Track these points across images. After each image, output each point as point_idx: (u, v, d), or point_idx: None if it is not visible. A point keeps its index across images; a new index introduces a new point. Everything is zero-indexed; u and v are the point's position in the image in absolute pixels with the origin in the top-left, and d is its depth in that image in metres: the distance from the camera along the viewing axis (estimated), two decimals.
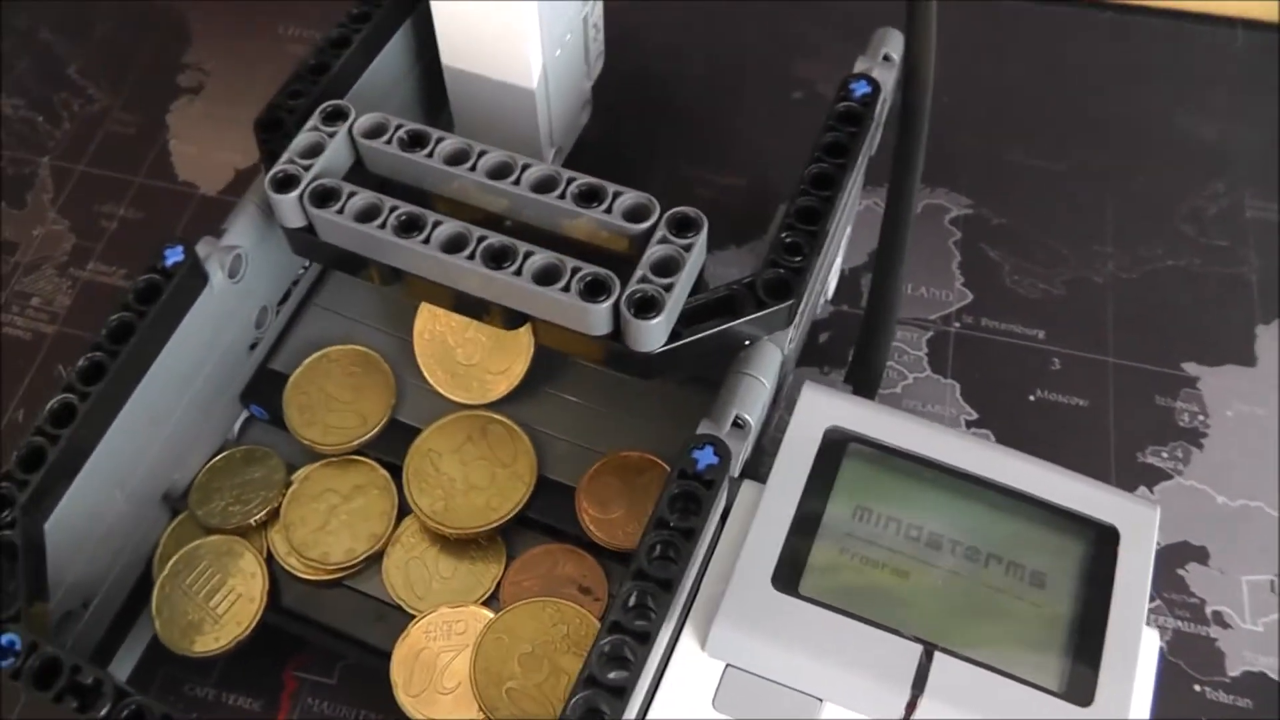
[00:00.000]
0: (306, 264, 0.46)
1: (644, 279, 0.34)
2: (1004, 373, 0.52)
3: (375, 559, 0.41)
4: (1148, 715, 0.35)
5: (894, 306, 0.44)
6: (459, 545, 0.41)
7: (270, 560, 0.42)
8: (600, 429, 0.42)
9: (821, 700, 0.34)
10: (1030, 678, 0.34)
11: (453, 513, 0.41)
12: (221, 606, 0.41)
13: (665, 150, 0.58)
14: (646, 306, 0.33)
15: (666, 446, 0.41)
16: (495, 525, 0.40)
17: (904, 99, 0.41)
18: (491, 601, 0.40)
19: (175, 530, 0.43)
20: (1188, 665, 0.45)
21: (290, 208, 0.38)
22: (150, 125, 0.63)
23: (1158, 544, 0.46)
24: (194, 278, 0.39)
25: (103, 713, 0.30)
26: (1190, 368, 0.53)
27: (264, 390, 0.44)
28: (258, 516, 0.42)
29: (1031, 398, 0.51)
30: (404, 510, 0.42)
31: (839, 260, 0.48)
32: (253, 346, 0.44)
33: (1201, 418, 0.51)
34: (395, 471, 0.42)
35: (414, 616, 0.39)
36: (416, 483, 0.41)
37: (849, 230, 0.47)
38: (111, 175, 0.61)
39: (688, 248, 0.34)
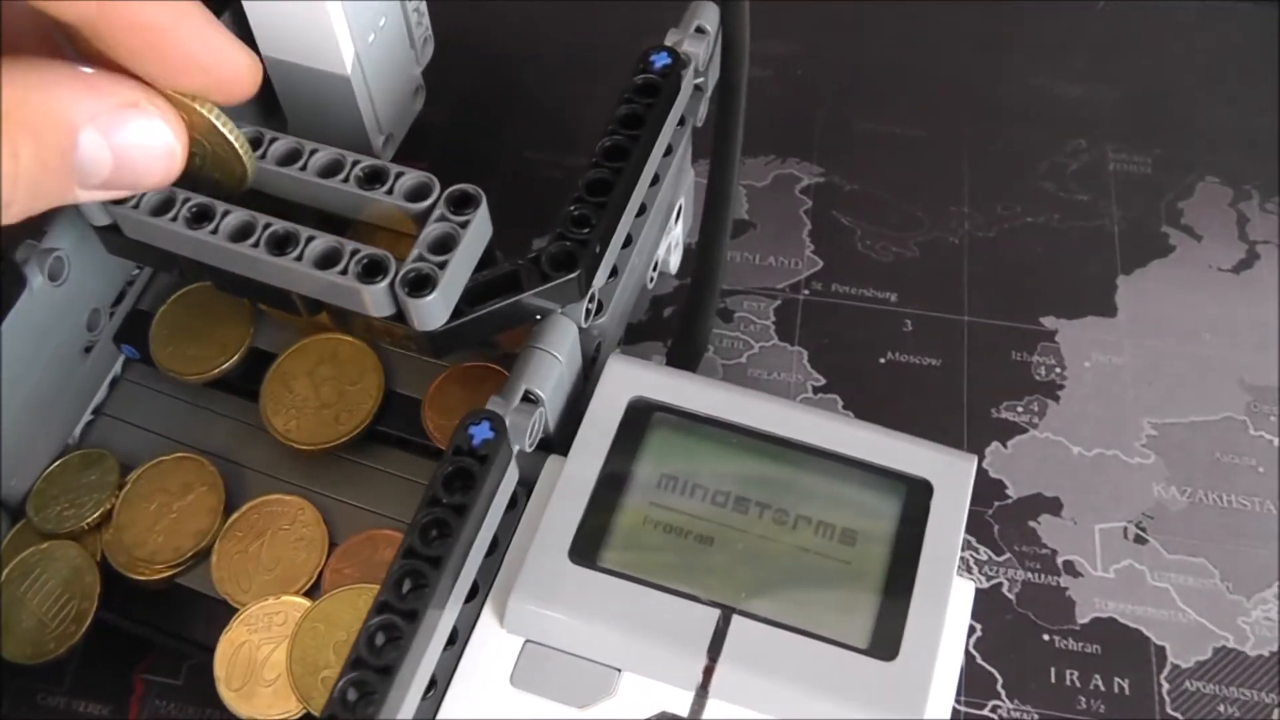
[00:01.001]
0: (138, 266, 0.46)
1: (419, 258, 0.34)
2: (854, 337, 0.52)
3: (204, 555, 0.41)
4: (958, 667, 0.35)
5: (716, 277, 0.44)
6: (281, 537, 0.40)
7: (104, 563, 0.41)
8: None
9: (620, 670, 0.34)
10: (835, 636, 0.34)
11: (304, 429, 0.42)
12: (56, 612, 0.40)
13: (513, 136, 0.58)
14: (420, 284, 0.33)
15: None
16: (345, 439, 0.42)
17: (722, 69, 0.41)
18: (314, 591, 0.40)
19: (14, 538, 0.42)
20: (1037, 616, 0.45)
21: (93, 206, 0.38)
22: None
23: (1010, 498, 0.47)
24: (10, 281, 0.39)
25: None
26: (1048, 322, 0.53)
27: (135, 331, 0.45)
28: (90, 519, 0.42)
29: (882, 360, 0.51)
30: (231, 505, 0.42)
31: (679, 232, 0.48)
32: (88, 349, 0.44)
33: (1058, 370, 0.51)
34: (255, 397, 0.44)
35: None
36: (271, 404, 0.43)
37: (684, 204, 0.47)
38: None
39: (464, 224, 0.34)
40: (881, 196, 0.56)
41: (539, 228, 0.34)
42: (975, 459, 0.37)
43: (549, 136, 0.58)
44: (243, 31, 0.45)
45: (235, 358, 0.44)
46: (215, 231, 0.36)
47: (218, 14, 0.44)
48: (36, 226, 0.42)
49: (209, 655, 0.41)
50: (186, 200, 0.37)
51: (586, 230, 0.36)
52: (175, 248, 0.37)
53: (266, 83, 0.45)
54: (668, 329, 0.51)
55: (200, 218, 0.37)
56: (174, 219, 0.37)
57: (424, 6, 0.47)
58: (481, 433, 0.32)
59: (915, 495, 0.37)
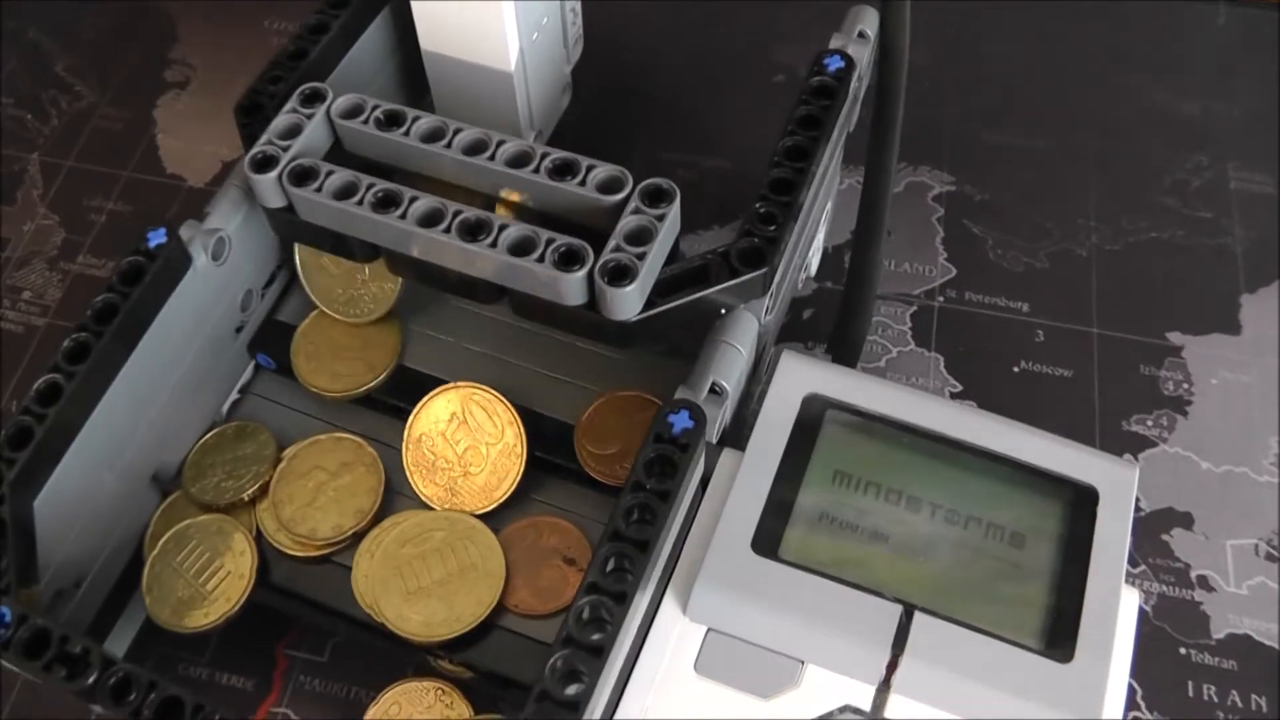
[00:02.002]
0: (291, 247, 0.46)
1: (617, 248, 0.34)
2: (988, 345, 0.52)
3: (362, 535, 0.41)
4: (1127, 671, 0.35)
5: (873, 277, 0.44)
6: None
7: (259, 538, 0.42)
8: (598, 370, 0.43)
9: (803, 662, 0.34)
10: (1010, 636, 0.34)
11: (459, 496, 0.42)
12: (211, 583, 0.41)
13: (646, 135, 0.59)
14: (620, 274, 0.34)
15: (660, 387, 0.42)
16: (498, 504, 0.41)
17: (879, 74, 0.41)
18: None
19: (165, 511, 0.43)
20: (1173, 629, 0.45)
21: (269, 188, 0.39)
22: (137, 120, 0.63)
23: (1142, 510, 0.47)
24: (177, 260, 0.40)
25: (90, 681, 0.31)
26: (1175, 337, 0.53)
27: (271, 340, 0.45)
28: (250, 491, 0.42)
29: (1016, 369, 0.51)
30: (390, 487, 0.42)
31: (820, 237, 0.48)
32: (238, 330, 0.45)
33: (1186, 386, 0.51)
34: (403, 415, 0.43)
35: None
36: (418, 472, 0.42)
37: (829, 207, 0.48)
38: (99, 170, 0.62)
39: (660, 218, 0.34)
40: (1011, 207, 0.56)
41: (681, 230, 0.35)
42: (1137, 467, 0.38)
43: (683, 137, 0.58)
44: (402, 27, 0.46)
45: (382, 376, 0.44)
46: (404, 217, 0.36)
47: (382, 4, 0.44)
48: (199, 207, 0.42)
49: (359, 633, 0.41)
50: (371, 185, 0.37)
51: (773, 228, 0.36)
52: (357, 232, 0.38)
53: (419, 74, 0.45)
54: (806, 330, 0.52)
55: (386, 203, 0.37)
56: (359, 203, 0.37)
57: (579, 6, 0.48)
58: (681, 421, 0.33)
59: (1081, 501, 0.37)
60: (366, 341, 0.44)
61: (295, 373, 0.44)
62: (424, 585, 0.40)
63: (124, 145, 0.62)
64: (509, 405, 0.42)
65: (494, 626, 0.39)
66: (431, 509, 0.41)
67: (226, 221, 0.42)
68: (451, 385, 0.42)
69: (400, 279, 0.44)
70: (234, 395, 0.46)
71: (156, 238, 0.39)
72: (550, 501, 0.42)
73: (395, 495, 0.42)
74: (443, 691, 0.41)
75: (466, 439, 0.42)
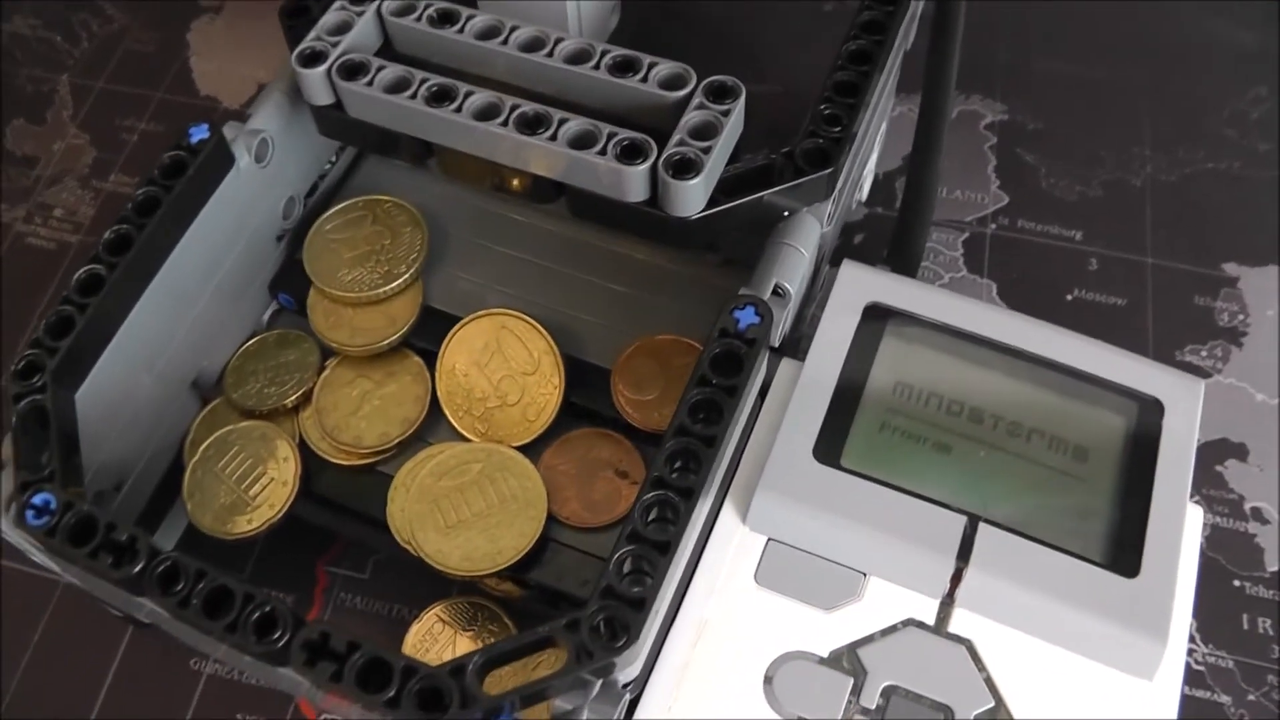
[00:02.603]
0: (334, 157, 0.45)
1: (682, 143, 0.33)
2: (1041, 273, 0.51)
3: (408, 444, 0.40)
4: (1192, 588, 0.34)
5: (931, 193, 0.43)
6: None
7: (303, 446, 0.41)
8: (634, 312, 0.41)
9: (865, 574, 0.33)
10: (1075, 549, 0.33)
11: (498, 429, 0.40)
12: (254, 490, 0.40)
13: (696, 59, 0.57)
14: (685, 168, 0.33)
15: (700, 331, 0.40)
16: (537, 435, 0.40)
17: None
18: None
19: (206, 418, 0.42)
20: (1227, 561, 0.45)
21: (318, 83, 0.38)
22: (170, 43, 0.62)
23: (1198, 440, 0.46)
24: (220, 157, 0.39)
25: (137, 569, 0.30)
26: (1230, 268, 0.52)
27: (293, 280, 0.43)
28: (293, 398, 0.41)
29: (1069, 297, 0.50)
30: (435, 398, 0.41)
31: (873, 161, 0.47)
32: (280, 238, 0.44)
33: (1241, 317, 0.50)
34: (431, 358, 0.41)
35: None
36: (452, 408, 0.40)
37: (883, 130, 0.46)
38: (132, 91, 0.61)
39: (725, 113, 0.33)
40: (1064, 135, 0.55)
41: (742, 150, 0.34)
42: (1203, 382, 0.37)
43: (731, 63, 0.57)
44: None
45: (404, 330, 0.41)
46: (459, 110, 0.35)
47: None
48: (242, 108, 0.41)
49: (396, 551, 0.40)
50: (425, 79, 0.36)
51: (838, 129, 0.35)
52: (410, 128, 0.37)
53: None
54: (858, 254, 0.51)
55: (441, 97, 0.36)
56: (412, 96, 0.36)
57: None
58: (747, 317, 0.32)
59: (1146, 414, 0.36)
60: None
61: (313, 328, 0.42)
62: (463, 519, 0.38)
63: (156, 67, 0.62)
64: (544, 333, 0.41)
65: (547, 539, 0.38)
66: (468, 440, 0.40)
67: (269, 123, 0.41)
68: (485, 312, 0.41)
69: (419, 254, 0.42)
70: (274, 305, 0.45)
71: (199, 133, 0.38)
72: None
73: (440, 409, 0.41)
74: (488, 610, 0.40)
75: (502, 368, 0.41)
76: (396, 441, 0.40)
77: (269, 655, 0.30)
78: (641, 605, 0.28)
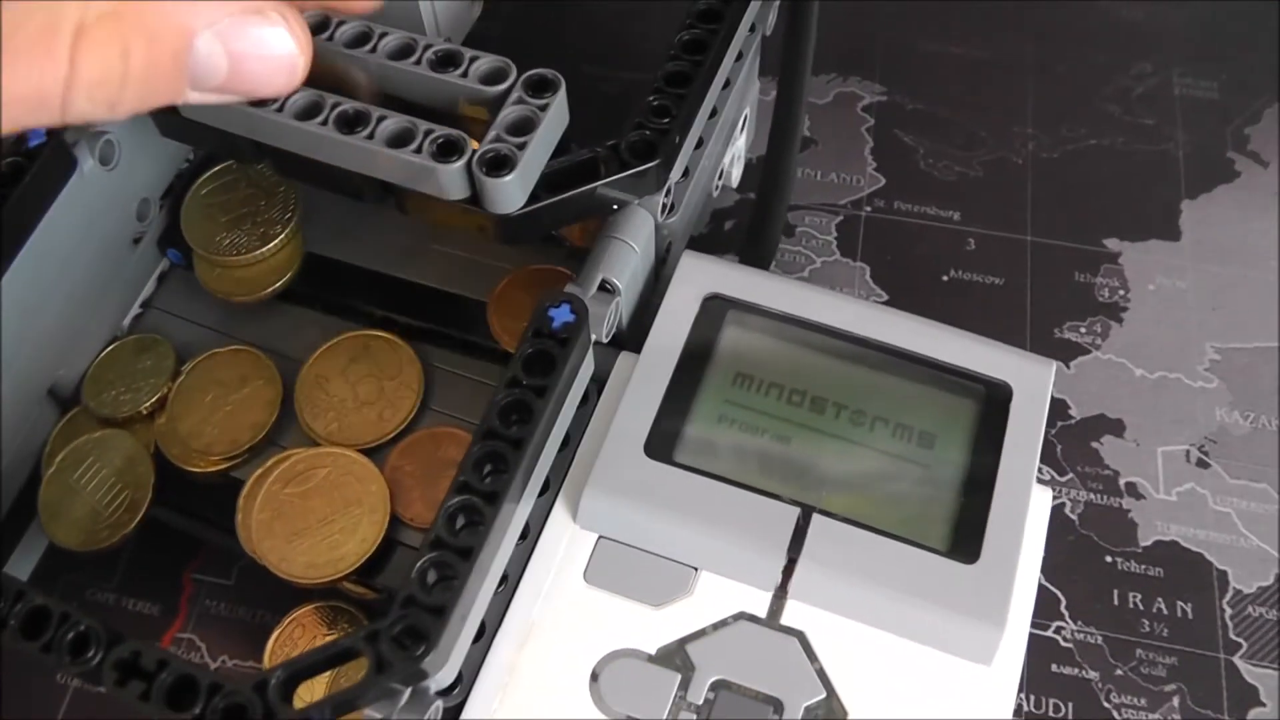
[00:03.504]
0: (190, 155, 0.45)
1: (498, 139, 0.33)
2: (917, 254, 0.51)
3: (259, 450, 0.40)
4: (1037, 571, 0.34)
5: (786, 182, 0.43)
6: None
7: (159, 455, 0.41)
8: (514, 250, 0.42)
9: (697, 569, 0.33)
10: (915, 537, 0.33)
11: (346, 430, 0.40)
12: (110, 501, 0.40)
13: (569, 48, 0.57)
14: (499, 164, 0.32)
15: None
16: (390, 436, 0.40)
17: None
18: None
19: (64, 428, 0.42)
20: (1099, 537, 0.44)
21: None
22: None
23: (1073, 418, 0.46)
24: (60, 161, 0.38)
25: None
26: (1112, 244, 0.52)
27: (180, 236, 0.43)
28: (148, 403, 0.41)
29: (945, 278, 0.50)
30: (288, 399, 0.41)
31: (741, 144, 0.47)
32: (137, 241, 0.43)
33: (1122, 292, 0.50)
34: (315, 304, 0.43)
35: None
36: (308, 409, 0.40)
37: (749, 115, 0.46)
38: None
39: (543, 107, 0.33)
40: (944, 116, 0.55)
41: (598, 142, 0.34)
42: (1054, 364, 0.36)
43: (605, 51, 0.56)
44: None
45: (289, 275, 0.42)
46: (280, 110, 0.35)
47: None
48: None
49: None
50: None
51: (666, 120, 0.35)
52: (236, 128, 0.36)
53: None
54: (729, 241, 0.50)
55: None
56: None
57: None
58: (562, 315, 0.31)
59: (994, 398, 0.36)
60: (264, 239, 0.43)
61: (199, 279, 0.43)
62: (307, 525, 0.38)
63: None
64: (407, 346, 0.41)
65: (394, 543, 0.38)
66: (317, 444, 0.40)
67: (114, 124, 0.40)
68: (350, 334, 0.42)
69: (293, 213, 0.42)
70: (135, 309, 0.44)
71: (36, 138, 0.37)
72: (451, 412, 0.41)
73: (292, 411, 0.41)
74: (347, 614, 0.40)
75: (365, 370, 0.41)
76: (247, 447, 0.40)
77: (84, 674, 0.29)
78: (442, 612, 0.27)
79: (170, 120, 0.38)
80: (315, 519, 0.38)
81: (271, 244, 0.42)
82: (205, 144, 0.38)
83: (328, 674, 0.30)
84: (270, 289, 0.42)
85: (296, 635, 0.40)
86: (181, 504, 0.41)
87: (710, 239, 0.50)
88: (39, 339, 0.40)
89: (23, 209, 0.37)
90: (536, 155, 0.33)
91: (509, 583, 0.32)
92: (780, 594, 0.33)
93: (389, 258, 0.43)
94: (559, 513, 0.34)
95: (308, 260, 0.43)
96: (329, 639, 0.38)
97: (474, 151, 0.32)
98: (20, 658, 0.41)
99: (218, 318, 0.44)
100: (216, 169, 0.44)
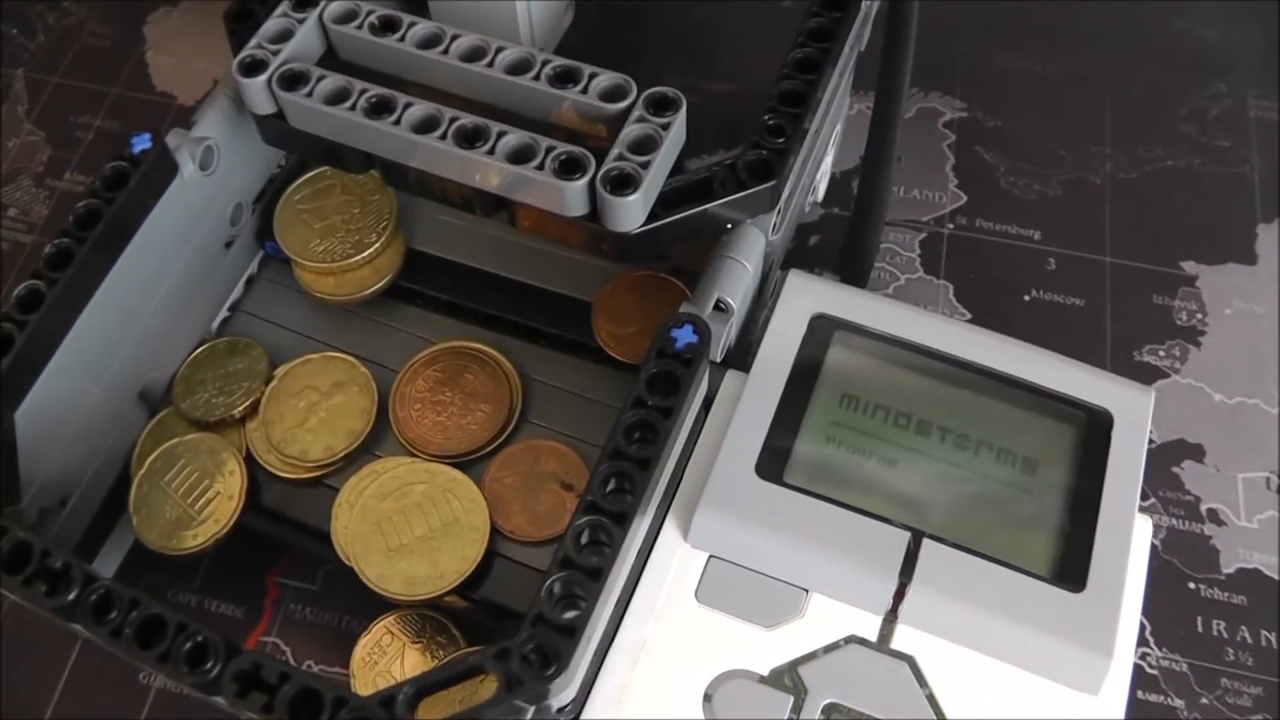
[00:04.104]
0: (283, 160, 0.45)
1: (620, 157, 0.33)
2: (999, 273, 0.51)
3: (354, 457, 0.40)
4: (1140, 601, 0.34)
5: (884, 198, 0.43)
6: (471, 392, 0.41)
7: (250, 459, 0.41)
8: None
9: (807, 591, 0.33)
10: (1021, 564, 0.33)
11: (443, 443, 0.40)
12: (200, 504, 0.40)
13: (651, 58, 0.57)
14: (623, 184, 0.32)
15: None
16: (485, 449, 0.40)
17: None
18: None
19: (154, 429, 0.42)
20: (1182, 563, 0.44)
21: (259, 92, 0.37)
22: (127, 37, 0.62)
23: (1153, 441, 0.46)
24: (163, 167, 0.38)
25: (70, 597, 0.30)
26: (1189, 266, 0.52)
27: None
28: (241, 407, 0.41)
29: (1027, 298, 0.50)
30: (383, 408, 0.41)
31: (828, 161, 0.47)
32: (229, 244, 0.43)
33: (1200, 316, 0.50)
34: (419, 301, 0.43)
35: None
36: (404, 419, 0.41)
37: (838, 131, 0.46)
38: (87, 87, 0.60)
39: (665, 126, 0.33)
40: (1024, 134, 0.55)
41: (684, 153, 0.34)
42: (1153, 391, 0.36)
43: (687, 61, 0.56)
44: None
45: (390, 276, 0.43)
46: (398, 122, 0.35)
47: None
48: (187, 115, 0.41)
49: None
50: (364, 90, 0.36)
51: (782, 140, 0.35)
52: (350, 139, 0.37)
53: None
54: (814, 256, 0.50)
55: (380, 109, 0.36)
56: (352, 108, 0.36)
57: None
58: (685, 336, 0.31)
59: (1095, 425, 0.36)
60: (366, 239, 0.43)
61: (298, 280, 0.43)
62: (406, 542, 0.38)
63: (112, 62, 0.61)
64: (504, 358, 0.41)
65: (491, 554, 0.38)
66: (414, 455, 0.40)
67: (214, 130, 0.40)
68: (445, 345, 0.42)
69: (388, 222, 0.42)
70: (224, 313, 0.44)
71: (141, 143, 0.37)
72: (547, 424, 0.41)
73: (387, 418, 0.41)
74: (436, 622, 0.40)
75: (461, 383, 0.41)
76: (342, 455, 0.40)
77: (201, 685, 0.29)
78: (572, 633, 0.28)
79: (276, 127, 0.38)
80: (415, 536, 0.38)
81: (365, 253, 0.42)
82: (312, 153, 0.38)
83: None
84: (372, 289, 0.42)
85: (385, 642, 0.40)
86: (272, 509, 0.41)
87: (795, 254, 0.50)
88: (135, 341, 0.40)
89: (126, 214, 0.37)
90: (658, 174, 0.33)
91: (620, 600, 0.33)
92: (890, 618, 0.33)
93: (493, 255, 0.43)
94: (669, 531, 0.34)
95: (409, 256, 0.43)
96: (416, 647, 0.39)
97: (597, 169, 0.32)
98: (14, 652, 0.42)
99: (307, 322, 0.44)
100: (310, 175, 0.44)
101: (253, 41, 0.38)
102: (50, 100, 0.59)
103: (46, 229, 0.55)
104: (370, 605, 0.40)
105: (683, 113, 0.34)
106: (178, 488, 0.40)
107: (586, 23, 0.51)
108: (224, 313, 0.44)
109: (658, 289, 0.41)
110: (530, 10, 0.44)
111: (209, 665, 0.29)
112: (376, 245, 0.42)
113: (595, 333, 0.40)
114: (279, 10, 0.38)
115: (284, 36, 0.38)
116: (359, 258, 0.42)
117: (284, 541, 0.43)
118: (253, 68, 0.37)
